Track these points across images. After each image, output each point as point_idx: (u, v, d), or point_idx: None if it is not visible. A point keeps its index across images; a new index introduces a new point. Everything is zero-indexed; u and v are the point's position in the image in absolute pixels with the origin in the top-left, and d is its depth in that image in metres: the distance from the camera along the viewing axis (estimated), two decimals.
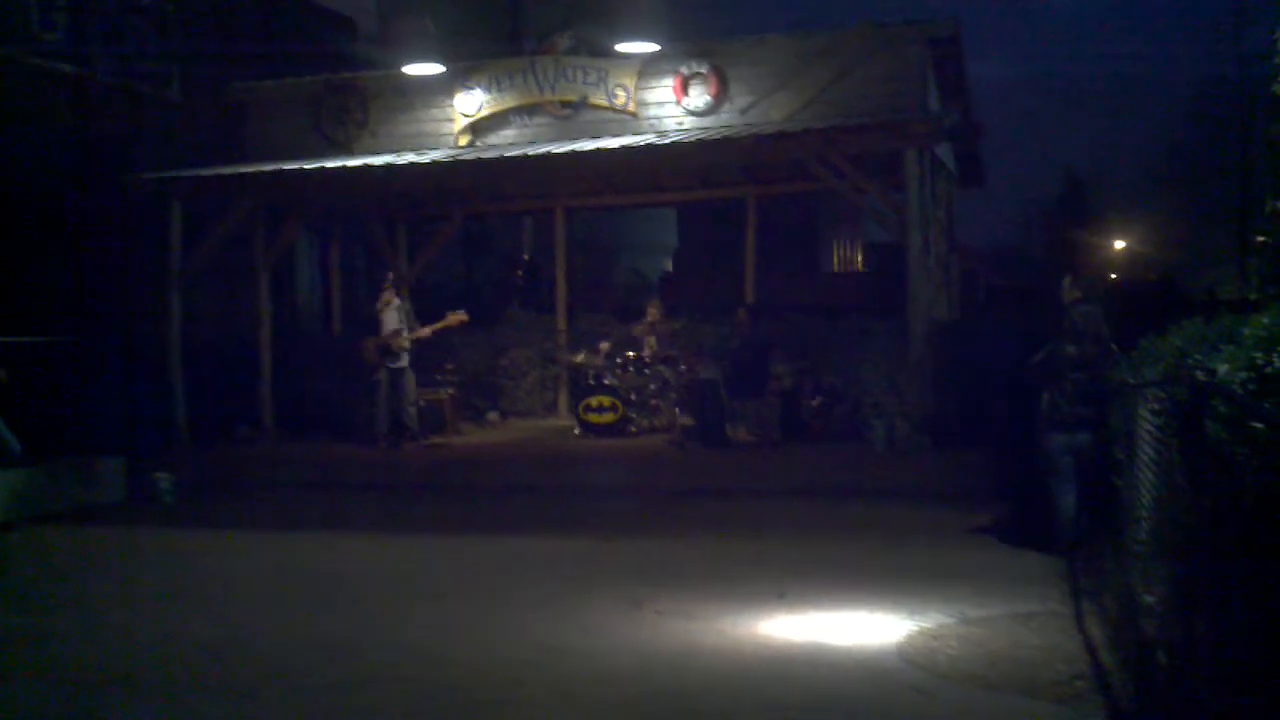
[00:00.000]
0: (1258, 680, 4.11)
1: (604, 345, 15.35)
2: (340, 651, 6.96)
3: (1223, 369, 4.80)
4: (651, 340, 15.32)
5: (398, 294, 15.00)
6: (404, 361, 14.62)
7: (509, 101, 15.86)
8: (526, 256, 23.53)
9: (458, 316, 14.88)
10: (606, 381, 15.02)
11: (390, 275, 15.46)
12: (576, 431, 15.06)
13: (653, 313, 15.67)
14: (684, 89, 15.18)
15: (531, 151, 14.58)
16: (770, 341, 14.65)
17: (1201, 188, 35.53)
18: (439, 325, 14.86)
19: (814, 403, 14.27)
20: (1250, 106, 32.22)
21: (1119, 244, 41.76)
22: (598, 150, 14.25)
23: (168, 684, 6.47)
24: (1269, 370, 4.47)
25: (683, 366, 14.92)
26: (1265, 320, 5.01)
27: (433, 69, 15.53)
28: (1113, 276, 33.70)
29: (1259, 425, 4.16)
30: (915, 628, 7.04)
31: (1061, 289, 9.39)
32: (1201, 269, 35.30)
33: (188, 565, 9.85)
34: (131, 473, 13.42)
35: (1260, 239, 8.28)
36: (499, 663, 6.67)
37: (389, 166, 15.12)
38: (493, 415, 17.07)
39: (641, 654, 6.72)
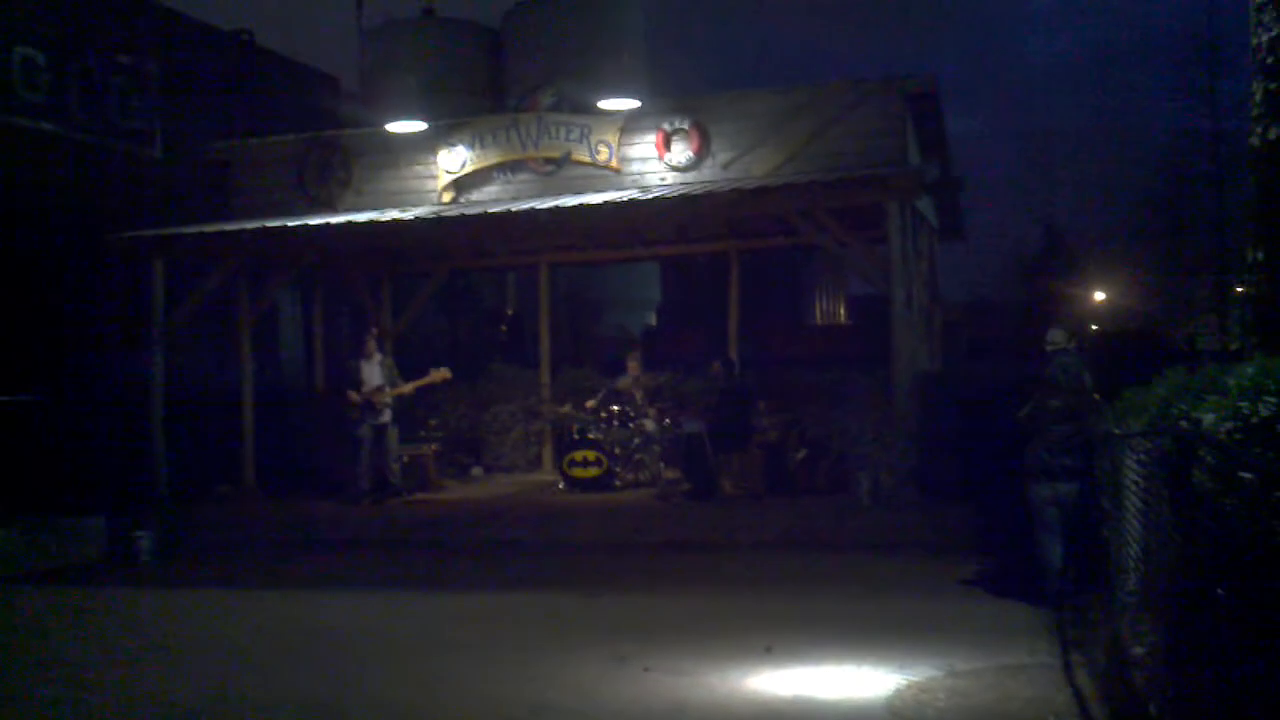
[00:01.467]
0: None
1: (591, 403, 15.30)
2: (321, 711, 6.86)
3: (1208, 418, 4.80)
4: (639, 394, 15.30)
5: (381, 349, 14.98)
6: (387, 417, 14.56)
7: (492, 158, 15.94)
8: (510, 311, 23.57)
9: (441, 374, 14.85)
10: (591, 436, 14.98)
11: (373, 330, 15.44)
12: (561, 486, 15.00)
13: (633, 366, 15.67)
14: (666, 145, 15.28)
15: (515, 208, 14.62)
16: (753, 394, 14.65)
17: (1179, 239, 35.84)
18: (422, 382, 14.83)
19: (799, 455, 14.24)
20: (1224, 159, 32.64)
21: (1099, 295, 42.02)
22: (581, 206, 14.30)
23: None
24: (1255, 420, 4.47)
25: (667, 420, 14.90)
26: (1250, 370, 5.01)
27: (416, 126, 15.61)
28: (1094, 327, 33.89)
29: (1247, 475, 4.16)
30: (903, 681, 6.98)
31: (1046, 340, 9.43)
32: (1181, 319, 35.51)
33: (166, 625, 9.73)
34: (111, 531, 13.29)
35: (1240, 290, 8.34)
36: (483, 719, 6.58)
37: (372, 223, 15.13)
38: (477, 470, 16.98)
39: (628, 712, 6.64)
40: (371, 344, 14.85)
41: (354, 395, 14.42)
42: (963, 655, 7.46)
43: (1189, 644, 4.74)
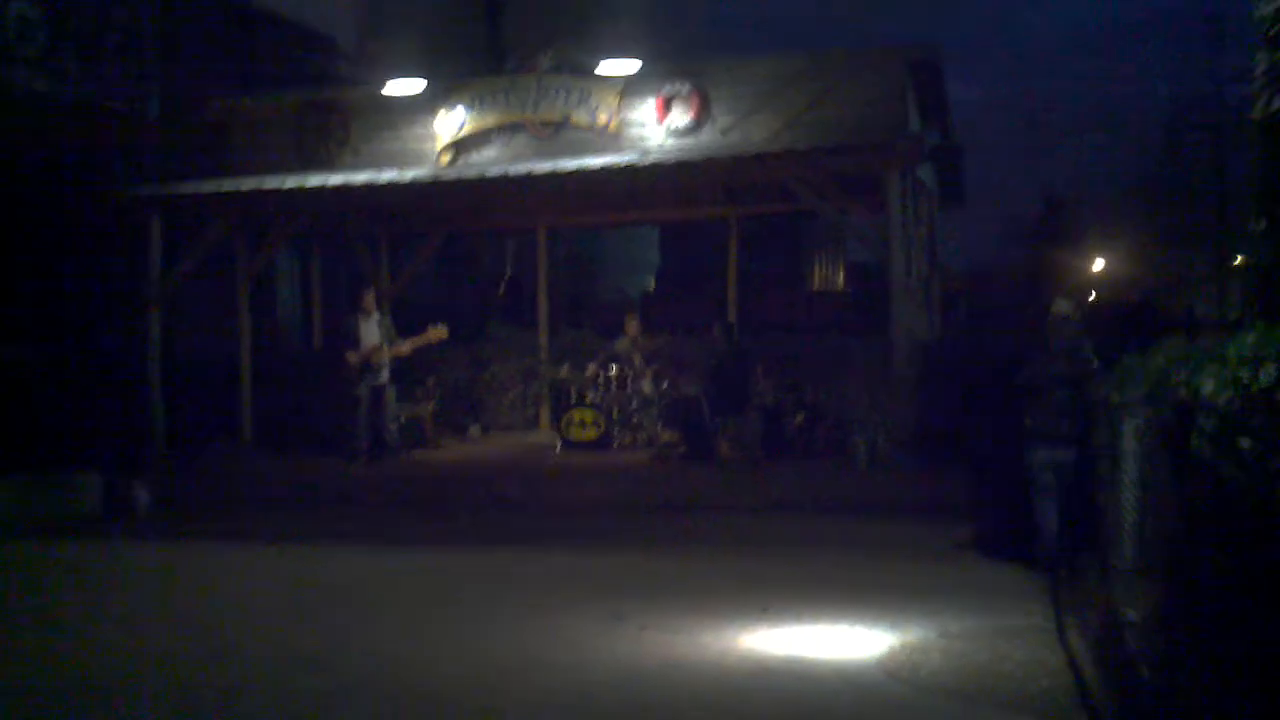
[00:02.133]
0: (1241, 696, 4.12)
1: (591, 367, 15.27)
2: (318, 663, 6.91)
3: (1208, 387, 4.81)
4: (637, 356, 15.32)
5: (378, 309, 14.96)
6: (384, 377, 14.57)
7: (491, 120, 15.86)
8: (508, 274, 23.52)
9: (438, 332, 14.85)
10: (589, 397, 15.00)
11: (370, 289, 15.42)
12: (558, 447, 15.03)
13: (631, 327, 15.67)
14: (666, 109, 15.22)
15: (513, 171, 14.59)
16: (751, 358, 14.68)
17: (1179, 209, 35.79)
18: (419, 340, 14.83)
19: (796, 419, 14.29)
20: (1226, 129, 32.55)
21: (1098, 264, 42.00)
22: (579, 170, 14.26)
23: (142, 696, 6.40)
24: (1254, 388, 4.49)
25: (665, 383, 14.93)
26: (1250, 338, 5.03)
27: (414, 87, 15.53)
28: (1092, 296, 33.90)
29: (1245, 442, 4.18)
30: (897, 642, 7.04)
31: (1049, 308, 9.45)
32: (1179, 290, 35.52)
33: (162, 579, 9.78)
34: (108, 486, 13.32)
35: (1240, 260, 8.35)
36: (479, 675, 6.63)
37: (369, 184, 15.09)
38: (474, 430, 17.02)
39: (624, 667, 6.69)
40: (370, 301, 14.83)
41: (352, 355, 14.42)
42: (957, 617, 7.52)
43: (1183, 609, 4.78)
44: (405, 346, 14.75)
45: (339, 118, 16.54)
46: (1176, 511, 4.92)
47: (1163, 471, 5.23)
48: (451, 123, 15.97)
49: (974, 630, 7.25)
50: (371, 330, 14.58)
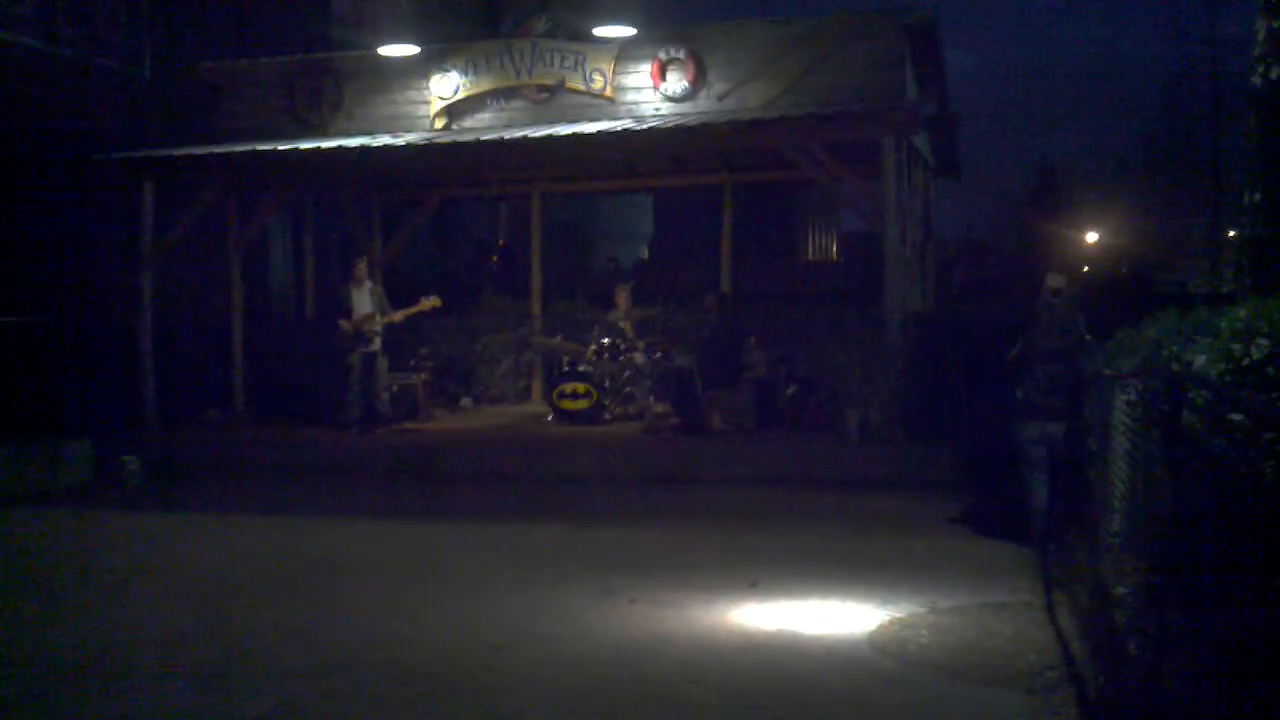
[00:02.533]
0: (1229, 672, 4.10)
1: (592, 347, 15.13)
2: (309, 636, 6.89)
3: (1200, 360, 4.78)
4: (629, 327, 15.25)
5: (371, 277, 14.89)
6: (377, 346, 14.51)
7: (485, 85, 15.74)
8: (502, 242, 23.43)
9: (431, 301, 14.78)
10: (581, 368, 14.95)
11: (363, 257, 15.34)
12: (550, 418, 15.00)
13: (621, 299, 15.59)
14: (662, 74, 15.10)
15: (508, 135, 14.48)
16: (744, 330, 14.62)
17: (1174, 180, 35.71)
18: (412, 310, 14.76)
19: (788, 391, 14.26)
20: (1222, 99, 32.42)
21: (1092, 236, 41.97)
22: (574, 135, 14.15)
23: (133, 669, 6.39)
24: (1246, 362, 4.45)
25: (658, 354, 14.87)
26: (1242, 312, 4.98)
27: (408, 50, 15.40)
28: (1085, 269, 33.87)
29: (1237, 416, 4.15)
30: (886, 617, 7.03)
31: (1045, 285, 9.39)
32: (1173, 262, 35.50)
33: (153, 549, 9.75)
34: (99, 455, 13.27)
35: (1235, 232, 8.30)
36: (470, 648, 6.62)
37: (363, 148, 14.98)
38: (466, 401, 16.98)
39: (614, 641, 6.68)
40: (362, 270, 14.75)
41: (344, 324, 14.36)
42: (946, 592, 7.51)
43: (1172, 585, 4.75)
44: (398, 315, 14.69)
45: (333, 81, 16.41)
46: (1167, 486, 4.89)
47: (1153, 446, 5.20)
48: (446, 87, 15.85)
49: (963, 606, 7.25)
50: (364, 299, 14.51)
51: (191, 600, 7.86)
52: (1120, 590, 5.79)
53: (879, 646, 6.48)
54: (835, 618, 7.07)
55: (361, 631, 7.01)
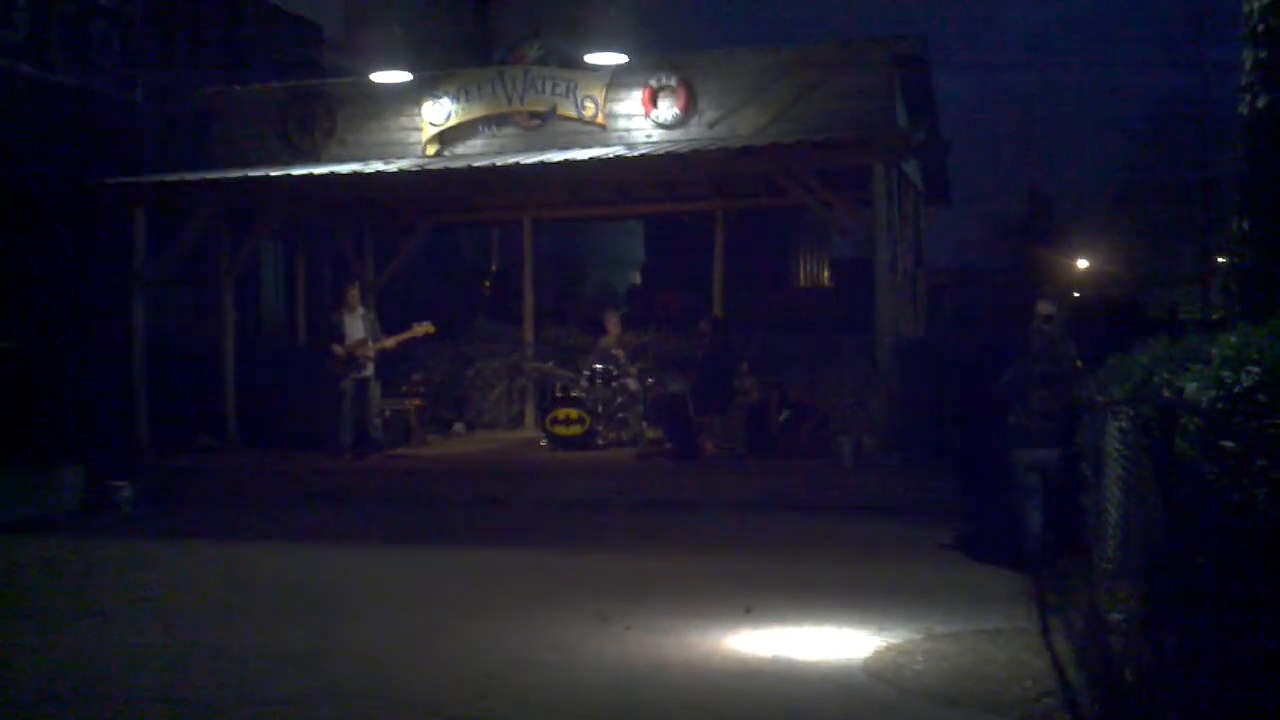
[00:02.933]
0: (1226, 699, 4.11)
1: (584, 374, 15.13)
2: (300, 664, 6.86)
3: (1191, 387, 4.80)
4: (621, 353, 15.27)
5: (363, 303, 14.90)
6: (369, 371, 14.51)
7: (477, 111, 15.82)
8: (494, 268, 23.47)
9: (423, 328, 14.79)
10: (574, 394, 14.96)
11: (355, 284, 15.35)
12: (543, 443, 14.99)
13: (612, 326, 15.61)
14: (653, 101, 15.19)
15: (500, 162, 14.55)
16: (736, 355, 14.65)
17: (1164, 208, 35.88)
18: (405, 336, 14.77)
19: (781, 417, 14.27)
20: (1211, 127, 32.61)
21: (1082, 263, 42.14)
22: (566, 162, 14.23)
23: (122, 696, 6.35)
24: (1237, 389, 4.48)
25: (650, 379, 14.89)
26: (1234, 339, 5.02)
27: (400, 77, 15.47)
28: (1076, 295, 33.99)
29: (1229, 444, 4.17)
30: (882, 643, 7.02)
31: (1035, 311, 9.44)
32: (1163, 289, 35.64)
33: (144, 576, 9.71)
34: (90, 481, 13.21)
35: (1225, 260, 8.36)
36: (462, 676, 6.59)
37: (355, 174, 15.03)
38: (459, 427, 16.97)
39: (608, 669, 6.66)
40: (354, 295, 14.77)
41: (337, 349, 14.36)
42: (941, 618, 7.51)
43: (1166, 610, 4.77)
44: (390, 341, 14.70)
45: (325, 107, 16.48)
46: (1160, 513, 4.91)
47: (1146, 472, 5.22)
48: (438, 113, 15.92)
49: (958, 632, 7.24)
50: (356, 325, 14.52)
51: (183, 626, 7.83)
52: (1116, 616, 5.80)
53: (874, 673, 6.48)
54: (831, 644, 7.06)
55: (355, 658, 6.99)
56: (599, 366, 15.04)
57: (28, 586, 9.46)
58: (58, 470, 13.15)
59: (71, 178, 15.69)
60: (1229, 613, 4.15)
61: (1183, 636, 4.55)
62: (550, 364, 15.79)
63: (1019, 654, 6.75)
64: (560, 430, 14.82)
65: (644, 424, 14.79)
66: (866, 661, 6.68)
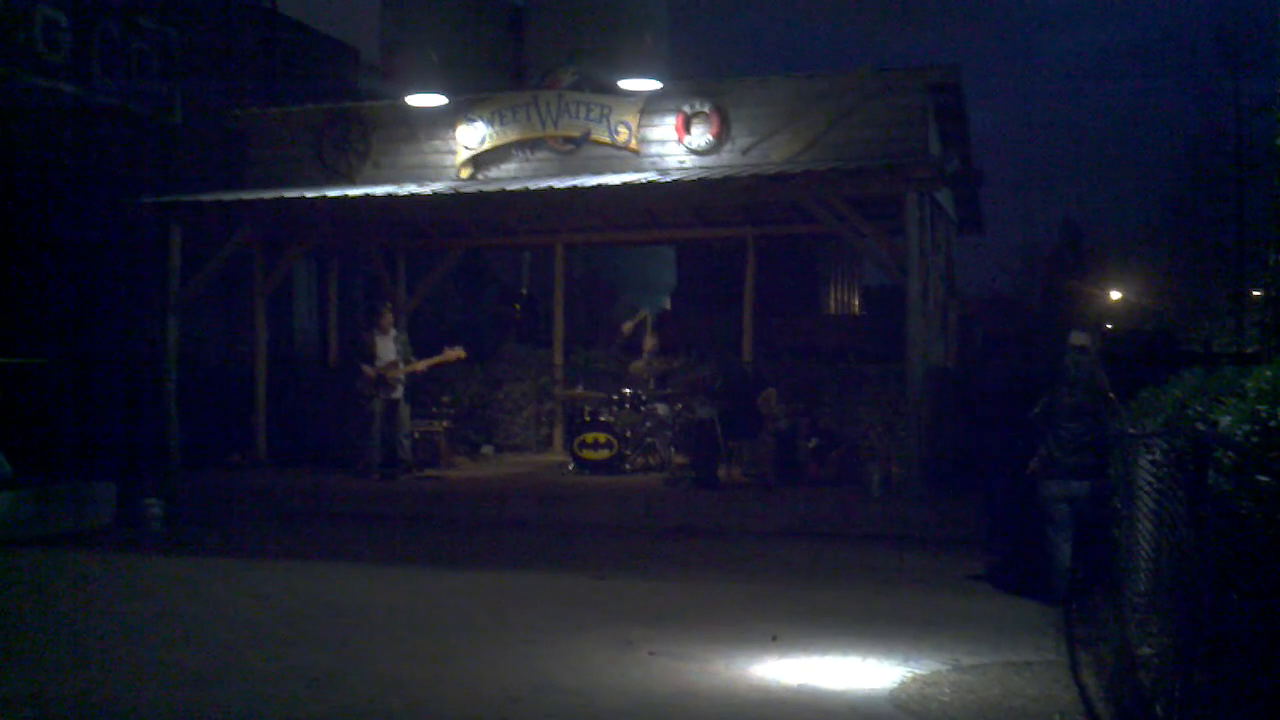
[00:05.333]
0: None
1: (628, 325, 15.12)
2: (326, 684, 6.88)
3: (1225, 421, 4.77)
4: (650, 378, 15.26)
5: (396, 325, 14.98)
6: (399, 393, 14.58)
7: (511, 135, 15.90)
8: (525, 291, 23.54)
9: (455, 353, 14.85)
10: (602, 418, 14.97)
11: (388, 306, 15.44)
12: (571, 467, 15.00)
13: (649, 343, 15.62)
14: (686, 128, 15.23)
15: (533, 186, 14.61)
16: (763, 381, 14.62)
17: (1198, 240, 35.66)
18: (436, 360, 14.84)
19: (810, 445, 14.23)
20: (1246, 160, 32.41)
21: (1115, 294, 41.88)
22: (599, 186, 14.27)
23: (151, 712, 6.38)
24: (1273, 423, 4.44)
25: (679, 405, 14.88)
26: (1269, 373, 4.98)
27: (435, 100, 15.58)
28: (1109, 327, 33.75)
29: (1264, 478, 4.14)
30: (908, 674, 6.97)
31: (1069, 341, 9.38)
32: (1197, 321, 35.36)
33: (174, 592, 9.76)
34: (122, 498, 13.32)
35: (1259, 293, 8.31)
36: (487, 699, 6.58)
37: (390, 197, 15.13)
38: (487, 449, 17.00)
39: (633, 695, 6.64)
40: (388, 318, 14.86)
41: (368, 369, 14.44)
42: (968, 650, 7.45)
43: (1198, 646, 4.71)
44: (422, 364, 14.78)
45: (360, 130, 16.61)
46: (1192, 546, 4.86)
47: (1179, 506, 5.18)
48: (472, 137, 16.02)
49: (985, 664, 7.18)
50: (388, 347, 14.61)
51: (211, 644, 7.86)
52: (1146, 651, 5.75)
53: (901, 704, 6.43)
54: (857, 674, 7.01)
55: (379, 679, 6.99)
56: (627, 391, 15.04)
57: (60, 602, 9.52)
58: (90, 486, 13.25)
59: (109, 197, 15.87)
60: (1262, 649, 4.10)
61: (1215, 673, 4.50)
62: (580, 388, 15.81)
63: (1047, 687, 6.69)
64: (588, 454, 14.83)
65: (672, 449, 14.78)
66: (893, 692, 6.63)
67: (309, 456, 15.78)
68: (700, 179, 14.19)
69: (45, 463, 13.25)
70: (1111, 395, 8.88)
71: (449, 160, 16.16)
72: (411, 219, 17.33)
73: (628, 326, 15.40)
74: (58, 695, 6.70)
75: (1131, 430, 7.04)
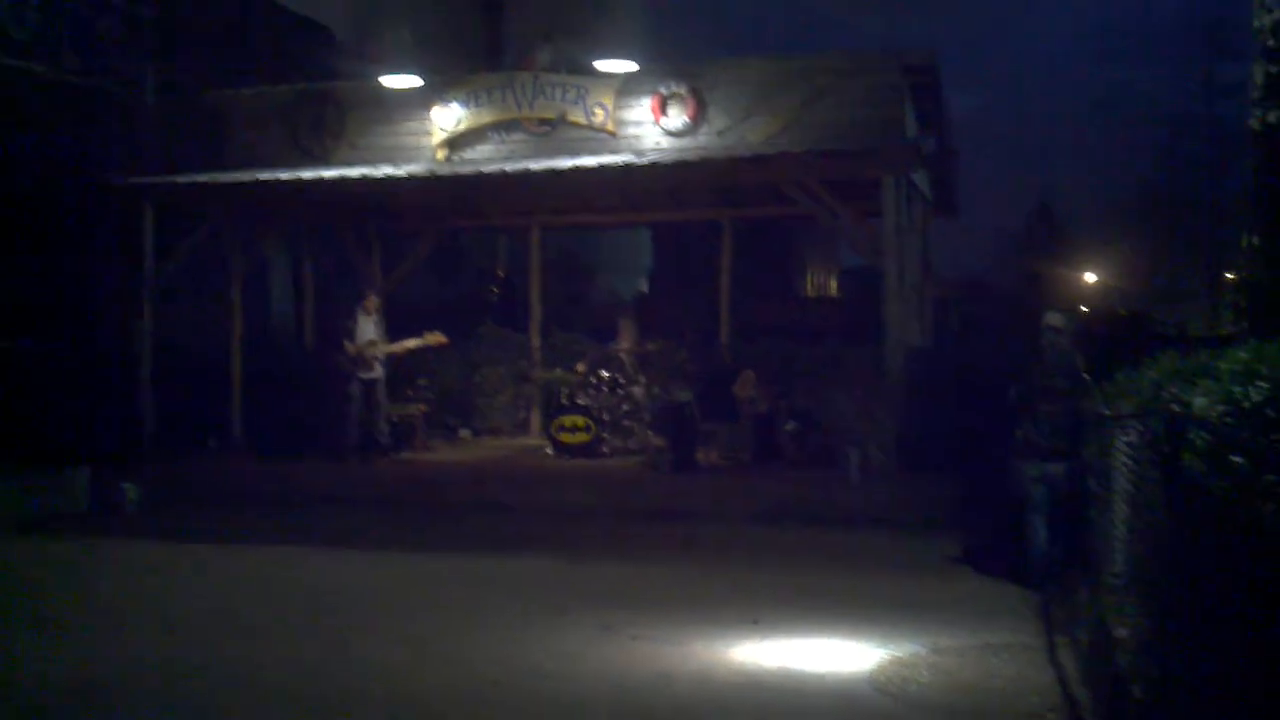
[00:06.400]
0: (1233, 716, 4.09)
1: (580, 366, 15.25)
2: (305, 671, 6.85)
3: (1200, 402, 4.78)
4: (629, 361, 15.25)
5: (378, 311, 14.93)
6: (377, 372, 14.52)
7: (487, 117, 15.80)
8: (501, 273, 23.48)
9: (435, 337, 14.80)
10: (579, 401, 14.95)
11: (373, 292, 15.35)
12: (549, 451, 14.98)
13: (626, 331, 15.62)
14: (662, 109, 15.17)
15: (509, 168, 14.54)
16: (740, 364, 14.63)
17: (1173, 223, 35.84)
18: (415, 344, 14.79)
19: (788, 427, 14.25)
20: (1220, 142, 32.59)
21: (1090, 277, 42.08)
22: (575, 169, 14.21)
23: (129, 702, 6.35)
24: (1247, 404, 4.46)
25: (656, 388, 14.87)
26: (1243, 355, 5.00)
27: (410, 81, 15.46)
28: (1084, 309, 33.92)
29: (1238, 459, 4.15)
30: (887, 656, 7.00)
31: (1044, 323, 9.41)
32: (1172, 304, 35.55)
33: (151, 578, 9.71)
34: (97, 483, 13.22)
35: (1234, 275, 8.36)
36: (467, 685, 6.58)
37: (365, 178, 15.03)
38: (464, 432, 16.96)
39: (613, 679, 6.65)
40: (373, 302, 14.85)
41: (349, 345, 14.37)
42: (946, 632, 7.49)
43: (1174, 627, 4.74)
44: (400, 346, 14.72)
45: (335, 111, 16.45)
46: (1167, 528, 4.89)
47: (1154, 487, 5.20)
48: (448, 118, 15.90)
49: (963, 646, 7.22)
50: (369, 329, 14.55)
51: (188, 631, 7.82)
52: (1122, 632, 5.78)
53: (879, 686, 6.45)
54: (836, 656, 7.04)
55: (358, 664, 6.97)
56: (605, 374, 15.02)
57: (33, 588, 9.45)
58: (65, 471, 13.16)
59: (80, 177, 15.71)
60: (1237, 629, 4.13)
61: (1190, 653, 4.53)
62: (557, 371, 15.78)
63: (1024, 669, 6.73)
64: (565, 438, 14.81)
65: (650, 433, 14.77)
66: (871, 674, 6.66)
67: (286, 440, 15.67)
68: (676, 161, 14.15)
69: (19, 448, 13.13)
70: (1087, 377, 8.90)
71: (425, 142, 16.04)
72: (387, 201, 17.23)
73: (580, 367, 15.35)
74: (30, 683, 6.65)
75: (1107, 412, 7.07)
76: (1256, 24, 7.61)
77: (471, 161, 15.63)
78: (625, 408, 15.08)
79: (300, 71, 18.34)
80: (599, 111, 15.34)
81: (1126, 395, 6.72)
